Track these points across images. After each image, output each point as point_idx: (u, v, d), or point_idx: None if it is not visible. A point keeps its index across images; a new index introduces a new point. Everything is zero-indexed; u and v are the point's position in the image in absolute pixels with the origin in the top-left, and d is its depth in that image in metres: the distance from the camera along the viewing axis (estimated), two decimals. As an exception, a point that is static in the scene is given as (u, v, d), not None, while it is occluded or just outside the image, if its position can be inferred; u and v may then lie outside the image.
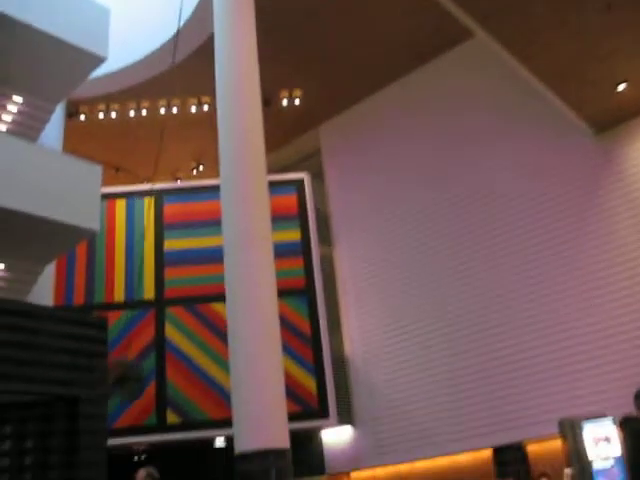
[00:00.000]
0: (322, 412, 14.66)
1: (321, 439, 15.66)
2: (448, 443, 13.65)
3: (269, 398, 9.22)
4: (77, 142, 16.38)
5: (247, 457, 8.89)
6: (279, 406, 9.28)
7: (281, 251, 13.07)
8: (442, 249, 14.89)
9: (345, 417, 15.14)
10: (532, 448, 12.99)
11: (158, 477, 7.16)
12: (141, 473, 7.14)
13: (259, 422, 9.10)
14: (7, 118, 12.80)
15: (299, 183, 16.62)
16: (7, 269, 11.79)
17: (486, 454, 13.40)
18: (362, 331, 15.80)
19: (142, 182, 17.79)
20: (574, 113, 12.93)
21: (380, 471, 14.87)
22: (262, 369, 9.35)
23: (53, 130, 14.12)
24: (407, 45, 15.57)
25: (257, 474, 8.78)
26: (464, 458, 13.78)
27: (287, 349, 13.07)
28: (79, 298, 15.17)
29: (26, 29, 11.38)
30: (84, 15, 12.21)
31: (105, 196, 14.35)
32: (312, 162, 18.39)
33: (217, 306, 14.62)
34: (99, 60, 12.32)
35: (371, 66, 16.06)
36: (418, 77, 16.39)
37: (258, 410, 9.14)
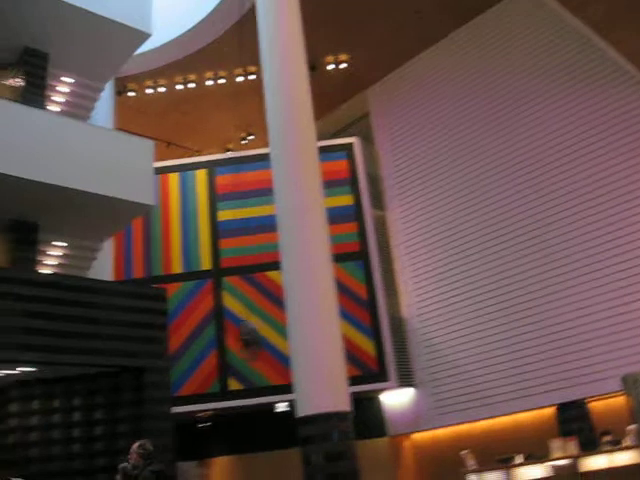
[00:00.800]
0: (382, 375, 14.74)
1: (382, 402, 15.77)
2: (509, 402, 13.59)
3: (329, 362, 9.29)
4: (128, 119, 16.60)
5: (309, 421, 9.00)
6: (339, 369, 9.35)
7: (334, 216, 13.07)
8: (497, 206, 14.68)
9: (405, 379, 15.20)
10: (595, 405, 12.85)
11: (151, 449, 7.41)
12: (135, 445, 7.43)
13: (320, 386, 9.19)
14: (59, 99, 13.03)
15: (349, 147, 16.53)
16: (68, 247, 12.11)
17: (548, 413, 13.31)
18: (418, 292, 15.77)
19: (193, 155, 17.95)
20: (630, 64, 12.54)
21: (441, 432, 14.93)
22: (320, 334, 9.41)
23: (104, 108, 14.33)
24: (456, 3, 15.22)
25: (319, 437, 8.90)
26: (525, 417, 13.69)
27: (344, 313, 13.14)
28: (138, 272, 15.48)
29: (70, 9, 11.52)
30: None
31: (158, 170, 14.55)
32: (361, 126, 18.26)
33: (273, 274, 14.75)
34: (144, 36, 12.44)
35: (418, 24, 15.75)
36: (468, 33, 16.06)
37: (318, 374, 9.23)
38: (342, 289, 13.61)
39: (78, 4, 11.58)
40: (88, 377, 10.43)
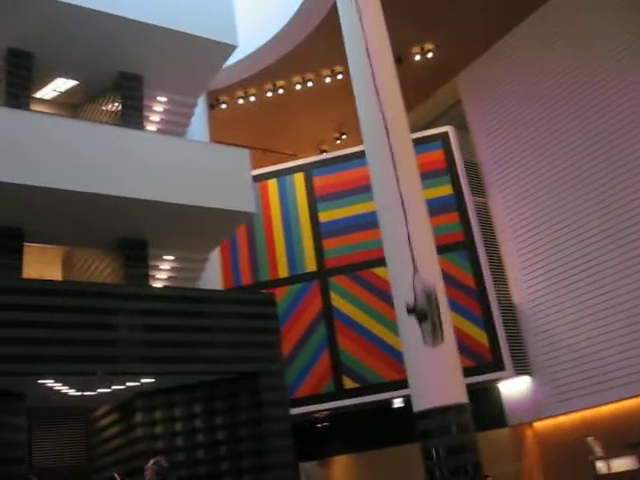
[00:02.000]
0: (497, 364, 14.47)
1: (499, 391, 15.48)
2: (635, 384, 13.04)
3: (442, 354, 9.18)
4: (222, 130, 16.97)
5: (426, 415, 8.91)
6: (453, 361, 9.22)
7: (435, 207, 12.92)
8: (603, 182, 14.12)
9: (521, 367, 14.85)
10: None
11: (165, 465, 7.62)
12: (150, 462, 7.64)
13: (434, 379, 9.09)
14: (156, 118, 13.46)
15: (444, 137, 16.32)
16: (177, 260, 12.48)
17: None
18: (527, 278, 15.38)
19: (289, 159, 18.16)
20: None
21: (564, 419, 14.47)
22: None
23: (198, 123, 14.70)
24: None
25: (438, 431, 8.81)
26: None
27: (454, 304, 12.94)
28: (246, 278, 15.80)
29: (159, 30, 11.89)
30: (209, 7, 12.58)
31: (256, 178, 14.81)
32: (454, 114, 18.00)
33: (378, 270, 14.73)
34: (231, 48, 12.68)
35: (501, 3, 15.36)
36: (555, 8, 15.52)
37: (432, 367, 9.13)
38: (449, 280, 13.45)
39: (167, 25, 11.94)
40: (206, 384, 10.72)
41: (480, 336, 14.63)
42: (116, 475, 9.95)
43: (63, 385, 9.97)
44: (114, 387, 10.32)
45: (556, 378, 14.45)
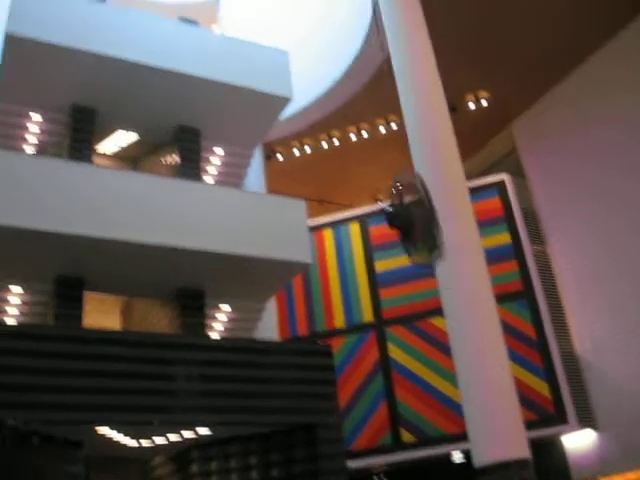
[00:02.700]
0: (560, 417, 14.00)
1: (562, 445, 14.94)
2: None
3: (502, 407, 8.95)
4: (278, 181, 17.15)
5: (487, 470, 8.66)
6: (514, 414, 8.97)
7: (493, 256, 12.75)
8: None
9: (585, 420, 14.34)
10: None
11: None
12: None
13: (495, 433, 8.85)
14: (213, 170, 13.71)
15: (500, 185, 16.17)
16: (233, 310, 12.53)
17: None
18: (591, 327, 14.95)
19: (345, 209, 18.21)
20: None
21: (632, 476, 13.85)
22: (491, 378, 9.10)
23: (255, 174, 14.90)
24: (596, 17, 14.58)
25: (500, 487, 8.54)
26: None
27: (513, 355, 12.67)
28: (302, 329, 15.75)
29: (216, 85, 12.17)
30: (265, 61, 12.85)
31: (313, 228, 14.88)
32: (510, 161, 17.87)
33: (436, 320, 14.53)
34: (286, 101, 12.88)
35: (555, 50, 15.26)
36: (610, 53, 15.38)
37: (493, 421, 8.89)
38: (509, 330, 13.17)
39: (223, 80, 12.22)
40: (262, 436, 10.62)
41: (542, 388, 14.22)
42: None
43: (120, 434, 10.01)
44: (170, 437, 10.32)
45: (623, 431, 13.89)
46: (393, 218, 6.39)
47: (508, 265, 15.20)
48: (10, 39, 10.69)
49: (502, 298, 12.72)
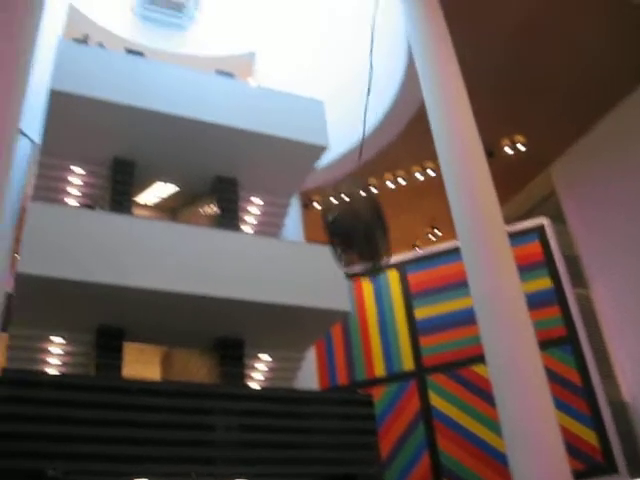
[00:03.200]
0: (609, 466, 13.53)
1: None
2: None
3: (549, 456, 8.70)
4: (316, 230, 17.16)
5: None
6: (561, 464, 8.72)
7: (534, 301, 12.52)
8: None
9: (636, 469, 13.85)
10: None
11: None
12: None
13: (543, 483, 8.60)
14: (251, 219, 13.80)
15: (540, 229, 15.98)
16: (273, 360, 12.48)
17: None
18: (637, 372, 14.54)
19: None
20: None
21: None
22: (536, 427, 8.88)
23: (293, 223, 14.97)
24: (633, 60, 14.48)
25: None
26: None
27: (559, 403, 12.34)
28: (342, 378, 15.59)
29: (254, 136, 12.34)
30: (301, 111, 13.01)
31: (350, 276, 14.80)
32: (549, 205, 17.70)
33: (478, 368, 14.27)
34: (322, 150, 12.99)
35: (592, 91, 15.19)
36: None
37: (539, 471, 8.65)
38: (553, 377, 12.86)
39: (260, 130, 12.39)
40: (303, 487, 10.47)
41: (589, 436, 13.80)
42: None
43: (160, 487, 9.95)
44: (210, 489, 10.22)
45: (678, 483, 13.39)
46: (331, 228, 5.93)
47: (550, 310, 14.93)
48: (54, 95, 11.01)
49: (545, 344, 12.47)
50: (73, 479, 9.00)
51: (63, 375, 10.88)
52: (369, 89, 8.20)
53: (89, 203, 11.78)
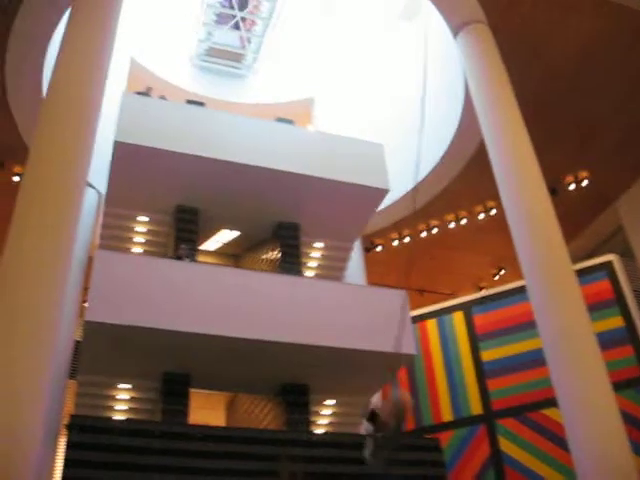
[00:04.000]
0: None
1: None
2: None
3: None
4: (379, 273, 17.11)
5: None
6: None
7: (605, 341, 12.13)
8: None
9: None
10: None
11: None
12: None
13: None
14: (313, 264, 13.83)
15: (608, 265, 15.53)
16: (338, 404, 12.35)
17: None
18: None
19: (447, 299, 17.93)
20: None
21: None
22: (613, 473, 8.52)
23: (355, 266, 14.92)
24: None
25: None
26: None
27: (636, 447, 11.85)
28: (409, 423, 15.30)
29: (310, 179, 12.43)
30: (361, 154, 13.07)
31: (415, 318, 14.66)
32: (617, 241, 17.29)
33: (549, 411, 13.83)
34: (383, 193, 12.99)
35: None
36: None
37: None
38: (629, 420, 12.35)
39: (321, 175, 12.48)
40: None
41: (670, 483, 13.18)
42: None
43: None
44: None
45: None
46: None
47: (623, 350, 14.41)
48: (118, 146, 11.33)
49: (619, 385, 12.03)
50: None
51: (131, 421, 10.97)
52: (422, 124, 8.73)
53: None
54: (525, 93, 11.95)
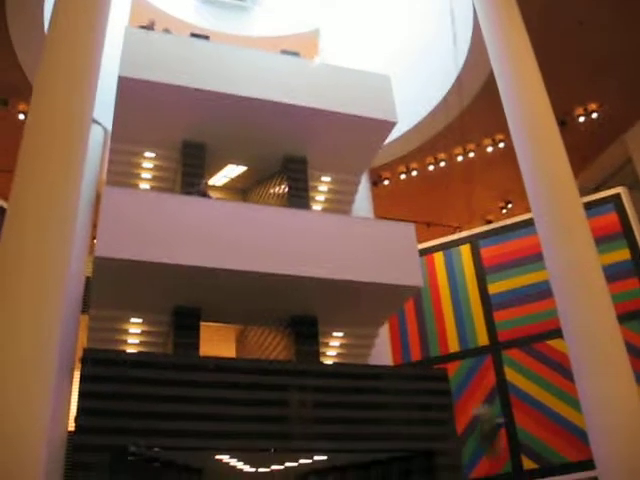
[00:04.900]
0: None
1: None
2: None
3: (630, 434, 8.50)
4: (386, 207, 17.12)
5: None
6: (644, 440, 8.52)
7: (611, 274, 12.20)
8: None
9: None
10: None
11: None
12: None
13: (623, 460, 8.40)
14: (320, 198, 13.83)
15: (616, 198, 15.49)
16: (346, 336, 12.53)
17: None
18: None
19: (454, 232, 17.97)
20: None
21: None
22: (616, 402, 8.68)
23: (362, 200, 14.92)
24: None
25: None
26: None
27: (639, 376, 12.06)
28: (416, 354, 15.55)
29: (317, 112, 12.31)
30: (368, 87, 12.90)
31: (422, 252, 14.73)
32: (625, 173, 17.17)
33: (554, 342, 14.02)
34: (391, 126, 12.86)
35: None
36: None
37: (620, 447, 8.46)
38: (632, 351, 12.53)
39: (329, 108, 12.35)
40: (380, 463, 10.52)
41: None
42: None
43: (238, 461, 10.16)
44: (287, 464, 10.38)
45: None
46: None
47: (629, 282, 14.51)
48: (123, 81, 11.22)
49: (623, 317, 12.15)
50: (155, 455, 9.28)
51: (143, 354, 11.16)
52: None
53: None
54: (535, 24, 11.71)
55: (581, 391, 9.09)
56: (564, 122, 15.20)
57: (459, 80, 14.83)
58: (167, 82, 11.44)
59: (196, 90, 11.58)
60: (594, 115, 16.10)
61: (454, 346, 15.34)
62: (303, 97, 12.24)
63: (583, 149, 16.46)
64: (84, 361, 9.00)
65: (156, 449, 8.98)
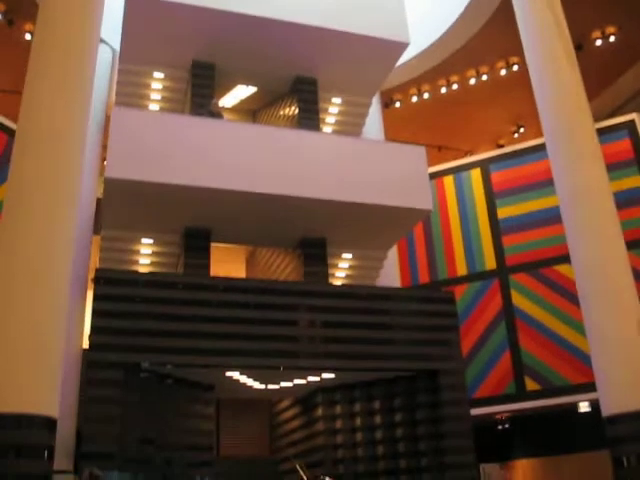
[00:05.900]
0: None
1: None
2: None
3: (633, 357, 8.65)
4: (397, 129, 16.99)
5: (617, 420, 8.44)
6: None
7: (622, 200, 12.18)
8: None
9: None
10: None
11: (99, 474, 7.63)
12: (85, 472, 7.67)
13: (626, 383, 8.58)
14: (331, 120, 13.71)
15: (630, 125, 15.30)
16: (355, 258, 12.65)
17: None
18: None
19: (465, 155, 17.88)
20: None
21: None
22: (621, 328, 8.79)
23: (373, 122, 14.79)
24: None
25: (631, 438, 8.30)
26: None
27: (645, 302, 12.18)
28: (424, 277, 15.72)
29: (332, 34, 12.10)
30: (380, 7, 12.63)
31: (433, 175, 14.70)
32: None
33: (562, 267, 14.13)
34: (403, 46, 12.65)
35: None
36: None
37: (623, 370, 8.62)
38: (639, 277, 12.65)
39: (340, 28, 12.12)
40: (385, 381, 10.79)
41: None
42: (298, 467, 10.26)
43: (249, 378, 10.44)
44: (296, 381, 10.66)
45: None
46: None
47: (638, 210, 14.50)
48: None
49: (632, 244, 12.20)
50: (168, 371, 9.54)
51: (155, 274, 11.33)
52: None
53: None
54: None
55: (586, 315, 9.20)
56: (580, 46, 14.88)
57: (474, 0, 14.48)
58: (176, 0, 11.23)
59: (205, 9, 11.36)
60: (612, 39, 15.73)
61: (462, 269, 15.48)
62: (313, 17, 11.99)
63: (599, 74, 16.15)
64: (97, 281, 9.16)
65: (168, 366, 9.23)
